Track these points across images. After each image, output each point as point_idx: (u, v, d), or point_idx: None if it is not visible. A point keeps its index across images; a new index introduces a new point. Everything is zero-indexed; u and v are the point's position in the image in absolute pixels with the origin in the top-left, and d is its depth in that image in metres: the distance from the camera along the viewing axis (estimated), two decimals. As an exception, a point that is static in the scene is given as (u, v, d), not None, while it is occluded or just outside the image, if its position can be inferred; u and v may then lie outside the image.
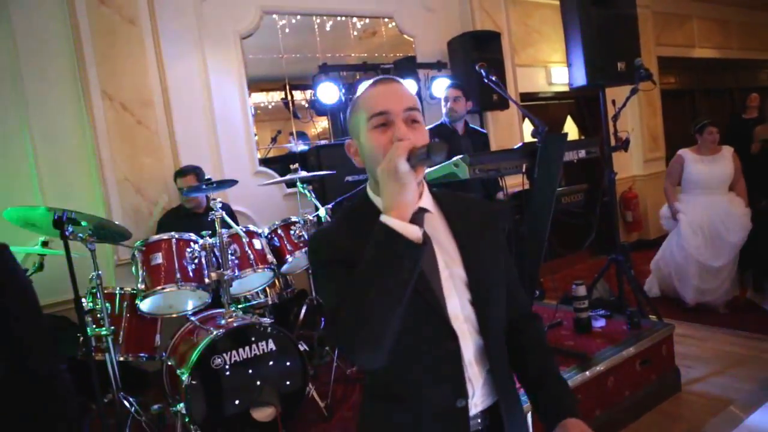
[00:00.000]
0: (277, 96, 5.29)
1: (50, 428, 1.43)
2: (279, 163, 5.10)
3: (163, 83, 4.28)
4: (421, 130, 1.29)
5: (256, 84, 4.96)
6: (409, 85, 5.07)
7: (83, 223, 2.67)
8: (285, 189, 4.99)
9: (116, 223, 3.00)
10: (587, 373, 3.08)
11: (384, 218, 1.14)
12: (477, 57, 4.90)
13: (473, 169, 3.08)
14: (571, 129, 7.63)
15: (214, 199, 3.05)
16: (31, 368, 1.45)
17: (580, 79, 3.88)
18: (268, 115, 5.19)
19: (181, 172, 3.91)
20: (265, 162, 5.07)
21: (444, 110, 4.21)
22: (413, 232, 1.14)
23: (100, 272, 2.93)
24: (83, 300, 2.96)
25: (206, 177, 3.08)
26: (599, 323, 3.76)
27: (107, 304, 3.04)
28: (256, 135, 4.91)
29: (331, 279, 1.27)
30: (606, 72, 3.81)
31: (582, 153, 3.42)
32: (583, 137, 7.41)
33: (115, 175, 4.10)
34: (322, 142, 5.39)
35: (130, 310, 3.12)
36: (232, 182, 3.15)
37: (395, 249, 1.14)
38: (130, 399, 2.98)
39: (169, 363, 2.99)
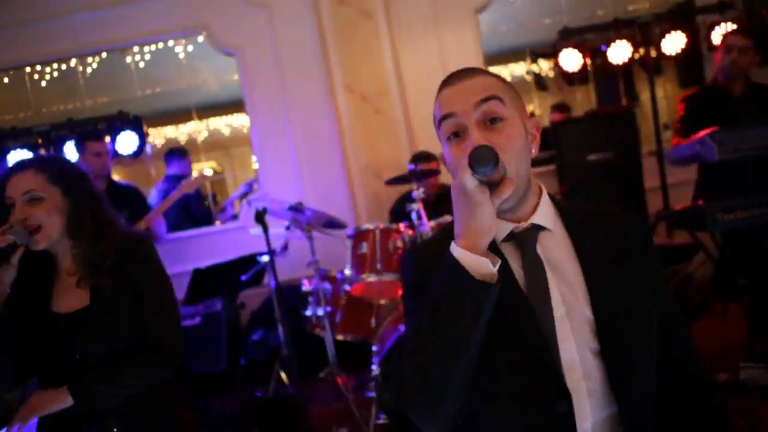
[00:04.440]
0: (518, 69, 4.95)
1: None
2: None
3: (398, 70, 4.40)
4: (504, 131, 1.00)
5: (495, 58, 4.72)
6: (676, 38, 4.14)
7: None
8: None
9: (330, 214, 3.21)
10: None
11: (452, 247, 0.93)
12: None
13: (724, 147, 2.36)
14: None
15: (417, 190, 3.00)
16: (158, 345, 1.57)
17: None
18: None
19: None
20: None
21: (720, 63, 3.20)
22: (482, 266, 0.91)
23: (317, 257, 3.19)
24: (305, 281, 3.28)
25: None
26: None
27: (329, 286, 3.31)
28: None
29: (408, 308, 1.13)
30: None
31: None
32: None
33: (357, 163, 4.43)
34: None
35: (348, 292, 3.33)
36: (433, 173, 3.06)
37: (456, 287, 0.92)
38: (344, 376, 3.20)
39: (373, 348, 3.10)
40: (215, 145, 8.43)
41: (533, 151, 1.07)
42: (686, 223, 2.94)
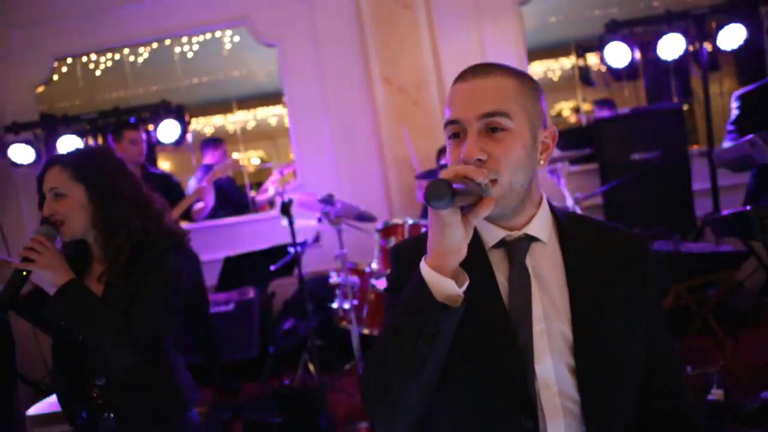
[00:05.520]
0: (567, 63, 4.78)
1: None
2: (568, 138, 4.61)
3: (437, 62, 4.33)
4: (504, 142, 0.96)
5: (542, 51, 4.58)
6: (734, 31, 3.87)
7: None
8: (569, 167, 4.50)
9: (360, 208, 3.19)
10: None
11: (422, 263, 0.92)
12: None
13: (775, 149, 2.20)
14: None
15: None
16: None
17: None
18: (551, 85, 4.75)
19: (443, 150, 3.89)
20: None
21: None
22: (446, 288, 0.89)
23: (346, 250, 3.19)
24: (333, 273, 3.29)
25: None
26: None
27: (357, 280, 3.31)
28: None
29: (387, 306, 1.11)
30: None
31: None
32: None
33: (393, 156, 4.39)
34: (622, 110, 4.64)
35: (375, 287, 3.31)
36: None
37: (417, 307, 0.91)
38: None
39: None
40: (262, 134, 8.57)
41: (541, 162, 1.03)
42: (733, 229, 2.77)
